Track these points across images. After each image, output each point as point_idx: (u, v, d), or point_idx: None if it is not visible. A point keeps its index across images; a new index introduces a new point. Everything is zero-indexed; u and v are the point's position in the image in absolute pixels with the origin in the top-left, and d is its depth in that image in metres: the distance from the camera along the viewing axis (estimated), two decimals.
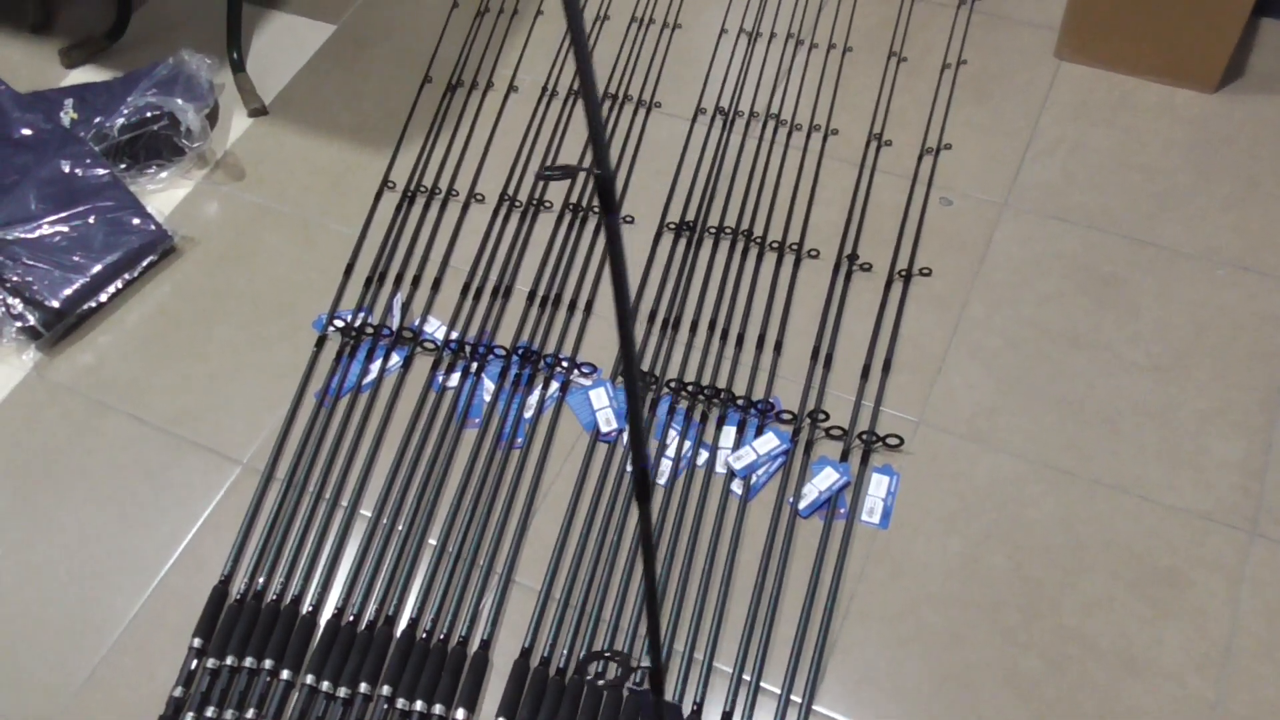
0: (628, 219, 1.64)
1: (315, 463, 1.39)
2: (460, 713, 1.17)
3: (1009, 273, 1.53)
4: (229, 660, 1.21)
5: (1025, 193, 1.62)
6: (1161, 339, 1.44)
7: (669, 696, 1.18)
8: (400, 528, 1.32)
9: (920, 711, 1.16)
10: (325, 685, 1.19)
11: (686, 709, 1.17)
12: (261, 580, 1.29)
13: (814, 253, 1.56)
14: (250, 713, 1.18)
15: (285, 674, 1.21)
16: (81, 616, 1.28)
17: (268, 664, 1.21)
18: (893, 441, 1.35)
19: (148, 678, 1.22)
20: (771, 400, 1.40)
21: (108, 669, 1.24)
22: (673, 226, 1.61)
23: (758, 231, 1.59)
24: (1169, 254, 1.53)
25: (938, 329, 1.47)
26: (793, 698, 1.17)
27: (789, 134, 1.73)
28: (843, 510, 1.31)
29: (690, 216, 1.62)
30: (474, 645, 1.23)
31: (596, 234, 1.62)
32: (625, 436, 1.38)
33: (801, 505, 1.30)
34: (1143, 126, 1.69)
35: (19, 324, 1.49)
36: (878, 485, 1.32)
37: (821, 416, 1.37)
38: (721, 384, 1.42)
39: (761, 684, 1.18)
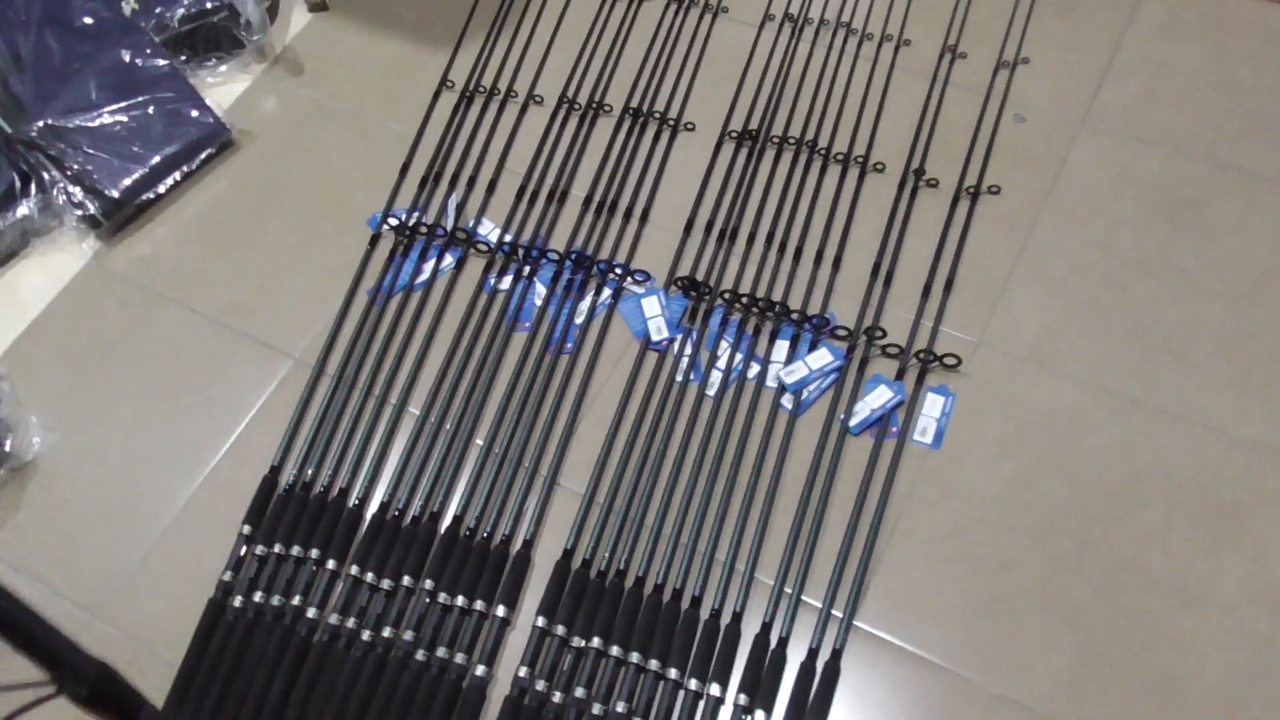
0: (688, 126, 1.60)
1: (366, 360, 1.39)
2: (500, 609, 1.18)
3: (1081, 194, 1.46)
4: (277, 548, 1.23)
5: (1104, 112, 1.55)
6: (1237, 266, 1.37)
7: (710, 606, 1.17)
8: (448, 427, 1.32)
9: (963, 634, 1.15)
10: (369, 576, 1.21)
11: (726, 618, 1.16)
12: (310, 472, 1.30)
13: (879, 166, 1.51)
14: (296, 599, 1.20)
15: (330, 564, 1.22)
16: (135, 502, 1.31)
17: (314, 553, 1.23)
18: (950, 361, 1.31)
19: (198, 562, 1.25)
20: (827, 315, 1.37)
21: (160, 553, 1.27)
22: (735, 135, 1.57)
23: (822, 143, 1.54)
24: (1252, 179, 1.45)
25: (1003, 249, 1.42)
26: (834, 613, 1.16)
27: (859, 43, 1.67)
28: (894, 429, 1.28)
29: (753, 125, 1.57)
30: (516, 545, 1.24)
31: (655, 140, 1.59)
32: (676, 345, 1.36)
33: (852, 422, 1.28)
34: (1234, 46, 1.60)
35: (79, 212, 1.50)
36: (932, 405, 1.29)
37: (878, 334, 1.33)
38: (776, 297, 1.39)
39: (803, 597, 1.17)
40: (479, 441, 1.31)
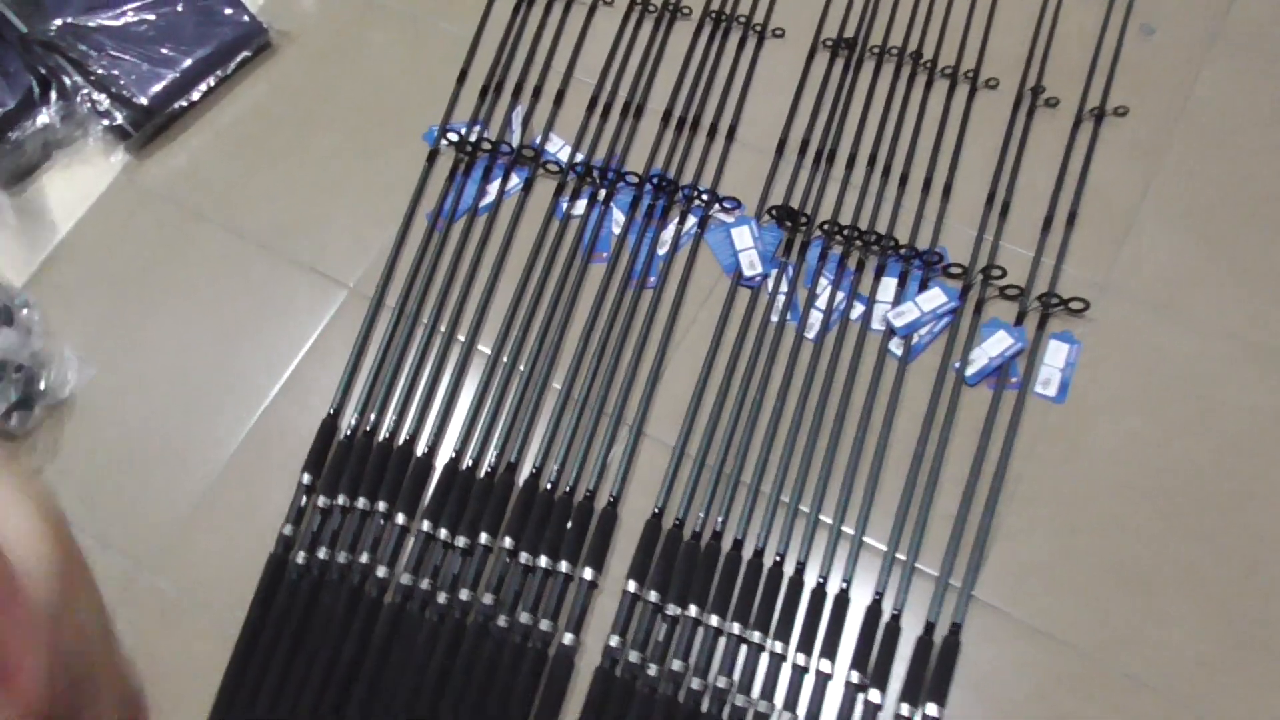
0: (777, 32, 1.44)
1: (428, 291, 1.27)
2: (587, 571, 1.09)
3: (1218, 117, 1.32)
4: (340, 499, 1.14)
5: (1242, 24, 1.39)
6: None
7: (815, 574, 1.08)
8: (521, 368, 1.21)
9: (1090, 607, 1.06)
10: (442, 533, 1.11)
11: (833, 588, 1.07)
12: (373, 417, 1.19)
13: (992, 82, 1.36)
14: (364, 556, 1.11)
15: (400, 518, 1.13)
16: (183, 444, 1.21)
17: (381, 506, 1.13)
18: (1076, 306, 1.19)
19: (255, 511, 1.15)
20: (938, 251, 1.24)
21: (213, 501, 1.17)
22: (829, 44, 1.41)
23: (928, 54, 1.39)
24: None
25: (1132, 178, 1.28)
26: (951, 582, 1.07)
27: None
28: (1015, 380, 1.17)
29: (850, 33, 1.42)
30: (601, 501, 1.14)
31: (740, 48, 1.43)
32: (770, 282, 1.24)
33: (969, 371, 1.17)
34: None
35: (106, 122, 1.36)
36: (1055, 354, 1.18)
37: (996, 273, 1.21)
38: (881, 229, 1.26)
39: (917, 565, 1.08)
40: (556, 385, 1.20)
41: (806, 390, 1.16)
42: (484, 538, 1.11)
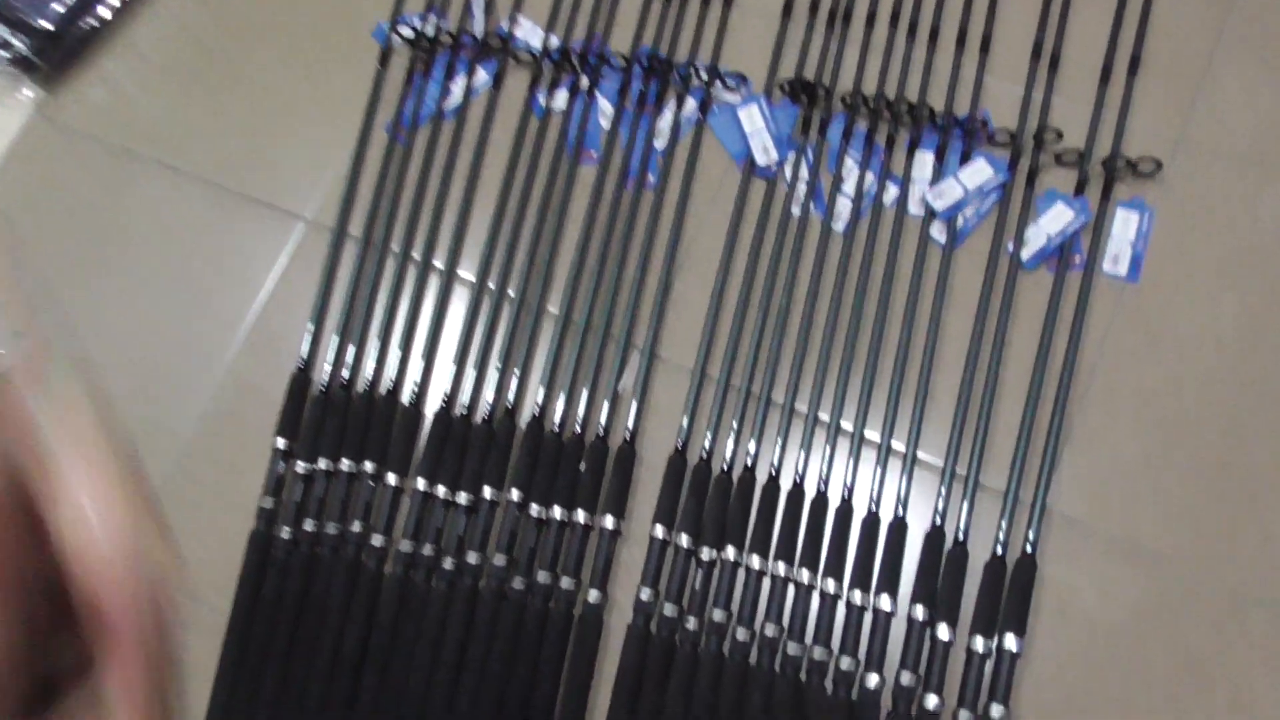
0: None
1: (396, 214, 1.11)
2: (608, 520, 0.96)
3: None
4: (321, 463, 1.00)
5: None
6: None
7: (865, 501, 0.95)
8: (511, 293, 1.06)
9: (1184, 514, 0.93)
10: (441, 490, 0.98)
11: (886, 515, 0.94)
12: (349, 365, 1.05)
13: None
14: (355, 524, 0.98)
15: (391, 478, 0.99)
16: (139, 416, 1.07)
17: (368, 466, 1.00)
18: (1146, 168, 1.03)
19: (230, 486, 1.02)
20: (980, 115, 1.07)
21: (182, 479, 1.04)
22: None
23: None
24: None
25: (1204, 12, 1.10)
26: (1021, 496, 0.94)
27: None
28: (1079, 259, 1.01)
29: None
30: (616, 440, 1.00)
31: None
32: (788, 168, 1.07)
33: (1025, 254, 1.01)
34: None
35: (5, 54, 1.18)
36: (1124, 225, 1.02)
37: (1049, 136, 1.04)
38: (911, 96, 1.09)
39: (980, 481, 0.95)
40: (552, 310, 1.05)
41: (839, 291, 1.01)
42: (488, 492, 0.98)
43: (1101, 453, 0.95)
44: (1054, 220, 1.01)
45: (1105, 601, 0.91)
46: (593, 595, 0.94)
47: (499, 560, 0.95)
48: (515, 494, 0.97)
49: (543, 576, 0.94)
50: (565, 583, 0.95)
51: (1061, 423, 0.95)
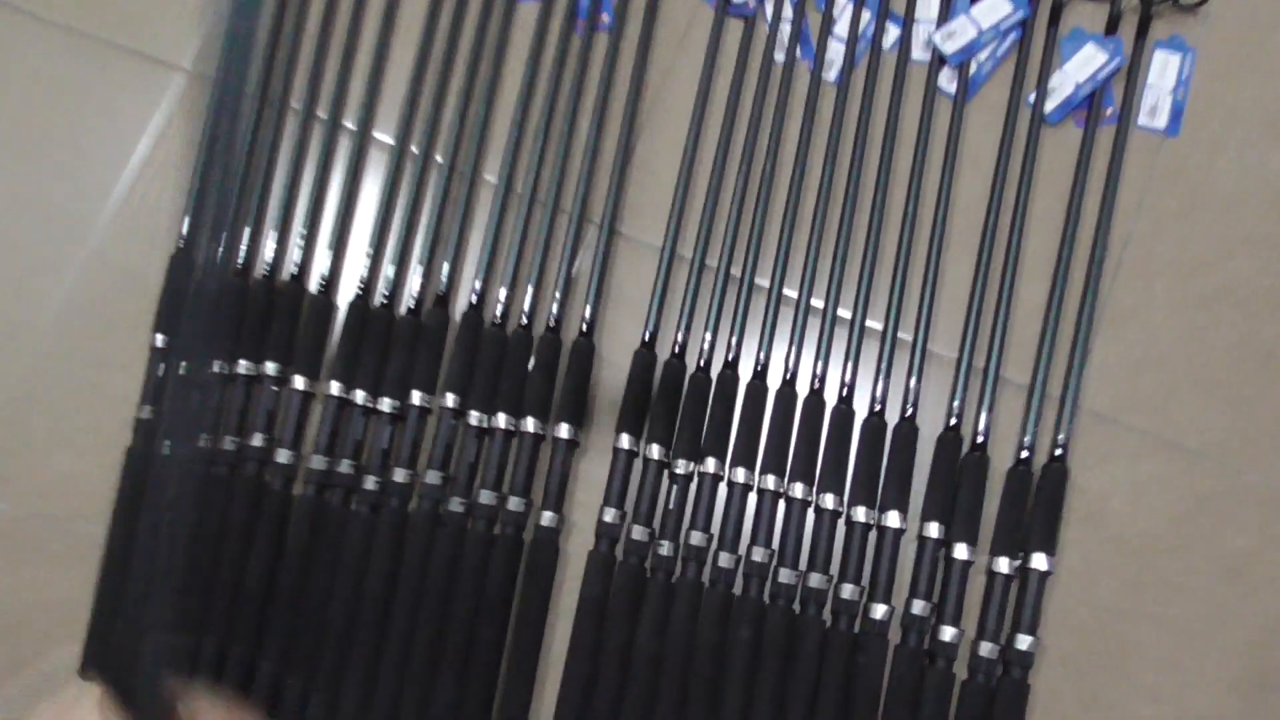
0: None
1: (295, 61, 0.91)
2: (563, 428, 0.80)
3: None
4: (213, 366, 0.82)
5: None
6: None
7: (866, 401, 0.81)
8: (439, 159, 0.88)
9: (1225, 406, 0.81)
10: (359, 395, 0.81)
11: (892, 416, 0.80)
12: (242, 246, 0.86)
13: None
14: (257, 438, 0.81)
15: (299, 382, 0.82)
16: None
17: (270, 368, 0.82)
18: (1187, 0, 0.87)
19: (100, 392, 0.84)
20: None
21: (45, 381, 0.85)
22: None
23: None
24: None
25: None
26: (1049, 390, 0.80)
27: None
28: (1110, 111, 0.86)
29: None
30: (570, 331, 0.84)
31: None
32: (769, 5, 0.90)
33: (1049, 105, 0.86)
34: None
35: None
36: (1162, 70, 0.87)
37: None
38: None
39: (1001, 374, 0.81)
40: (490, 178, 0.87)
41: (832, 153, 0.85)
42: (417, 397, 0.81)
43: (1135, 337, 0.82)
44: (1082, 65, 0.86)
45: (1139, 507, 0.79)
46: (546, 518, 0.79)
47: (432, 478, 0.79)
48: (450, 399, 0.80)
49: (485, 497, 0.79)
50: (513, 503, 0.79)
51: (1094, 304, 0.81)
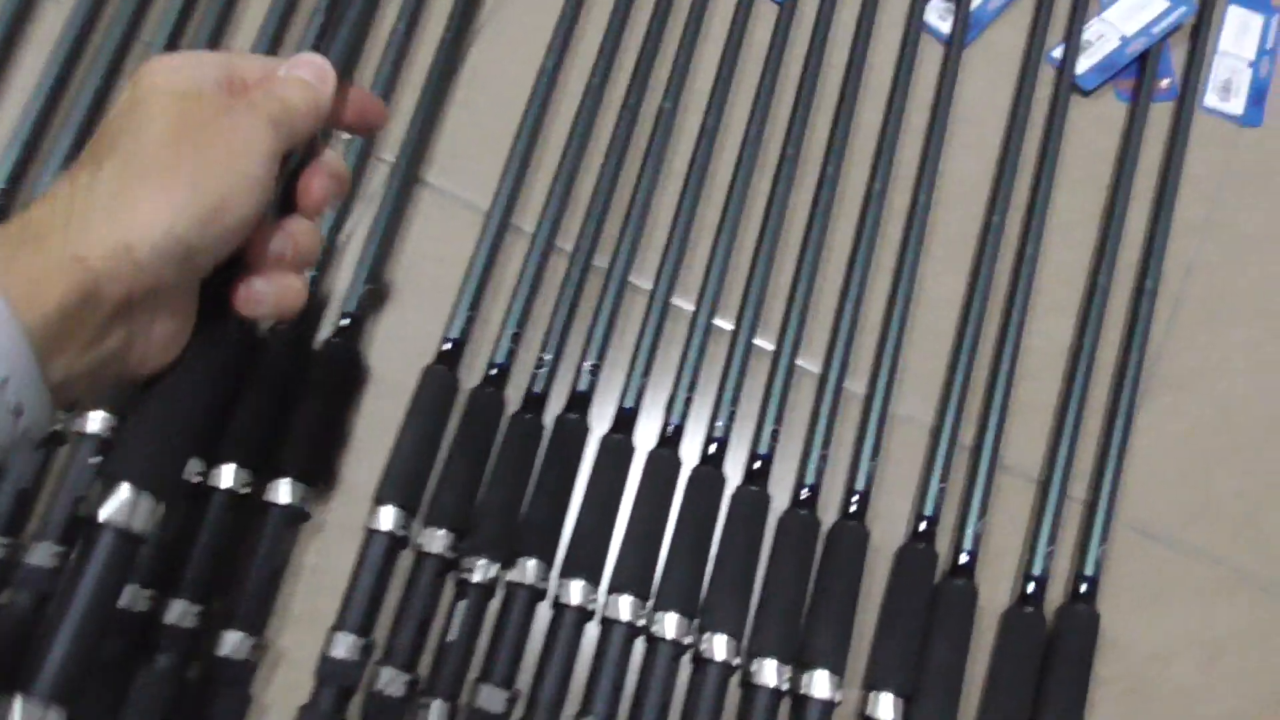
0: None
1: None
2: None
3: None
4: None
5: None
6: None
7: (809, 486, 0.51)
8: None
9: None
10: None
11: (830, 511, 0.50)
12: None
13: None
14: None
15: None
16: None
17: None
18: None
19: None
20: None
21: None
22: None
23: None
24: None
25: None
26: (1071, 491, 0.51)
27: None
28: (1167, 83, 0.59)
29: None
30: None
31: None
32: None
33: (1080, 67, 0.58)
34: None
35: None
36: (1240, 32, 0.61)
37: None
38: None
39: (1000, 457, 0.52)
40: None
41: (799, 110, 0.56)
42: None
43: (1200, 411, 0.54)
44: (1131, 12, 0.59)
45: (1214, 677, 0.50)
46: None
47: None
48: None
49: None
50: None
51: (1140, 360, 0.53)
